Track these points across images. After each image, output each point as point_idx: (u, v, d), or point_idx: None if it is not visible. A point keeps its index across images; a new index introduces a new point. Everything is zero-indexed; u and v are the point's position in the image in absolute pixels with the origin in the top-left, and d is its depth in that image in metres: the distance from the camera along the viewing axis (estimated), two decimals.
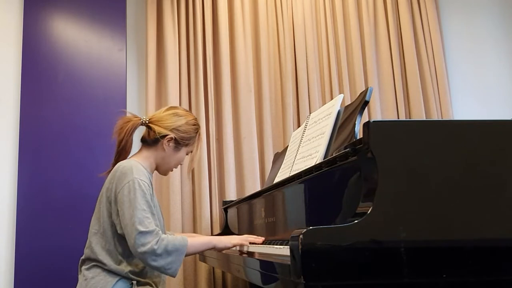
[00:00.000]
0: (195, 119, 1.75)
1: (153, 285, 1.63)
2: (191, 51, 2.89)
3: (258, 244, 1.59)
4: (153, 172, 1.73)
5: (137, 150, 1.73)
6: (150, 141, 1.67)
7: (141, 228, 1.45)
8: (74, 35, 2.84)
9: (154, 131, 1.65)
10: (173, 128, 1.66)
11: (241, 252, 1.61)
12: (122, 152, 1.66)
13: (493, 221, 1.04)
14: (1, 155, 2.66)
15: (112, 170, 1.60)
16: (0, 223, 2.59)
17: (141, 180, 1.53)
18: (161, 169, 1.73)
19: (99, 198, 1.63)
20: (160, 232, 1.49)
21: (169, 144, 1.66)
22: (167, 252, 1.46)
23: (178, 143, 1.68)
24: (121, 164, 1.59)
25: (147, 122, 1.67)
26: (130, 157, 1.68)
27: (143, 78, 2.93)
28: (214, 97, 2.88)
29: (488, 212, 1.04)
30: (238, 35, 2.94)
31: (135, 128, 1.66)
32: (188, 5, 2.94)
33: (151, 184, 1.61)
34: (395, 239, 0.98)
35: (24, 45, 2.76)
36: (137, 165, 1.58)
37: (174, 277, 1.52)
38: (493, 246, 1.03)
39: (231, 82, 2.91)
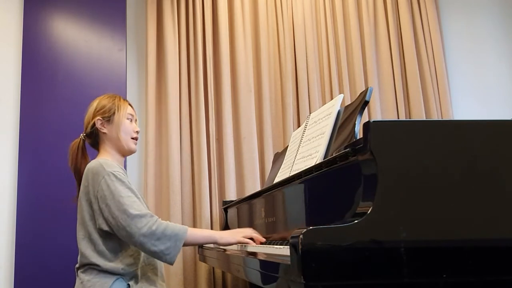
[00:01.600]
0: (107, 94, 1.80)
1: (151, 278, 1.63)
2: (191, 51, 2.89)
3: (257, 244, 1.60)
4: (122, 161, 1.75)
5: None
6: (94, 139, 1.73)
7: (134, 212, 1.47)
8: (74, 35, 2.84)
9: (89, 131, 1.72)
10: (93, 114, 1.72)
11: (241, 251, 1.61)
12: (80, 173, 1.68)
13: (493, 221, 1.04)
14: (1, 155, 2.66)
15: (84, 175, 1.62)
16: (0, 223, 2.59)
17: (114, 171, 1.55)
18: (122, 148, 1.72)
19: (78, 205, 1.63)
20: (156, 216, 1.52)
21: (103, 125, 1.70)
22: (166, 236, 1.47)
23: (107, 117, 1.71)
24: (90, 165, 1.61)
25: (84, 134, 1.74)
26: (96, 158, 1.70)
27: (143, 78, 2.93)
28: (214, 97, 2.88)
29: (488, 212, 1.04)
30: (238, 35, 2.94)
31: (79, 146, 1.72)
32: (188, 5, 2.94)
33: (125, 173, 1.63)
34: (395, 239, 0.98)
35: (24, 45, 2.76)
36: (104, 161, 1.60)
37: (172, 264, 1.51)
38: (493, 246, 1.03)
39: (231, 82, 2.91)
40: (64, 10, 2.86)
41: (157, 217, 1.52)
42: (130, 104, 1.79)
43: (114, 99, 1.76)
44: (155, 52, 2.86)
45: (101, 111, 1.72)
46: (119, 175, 1.55)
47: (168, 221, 1.53)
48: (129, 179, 1.65)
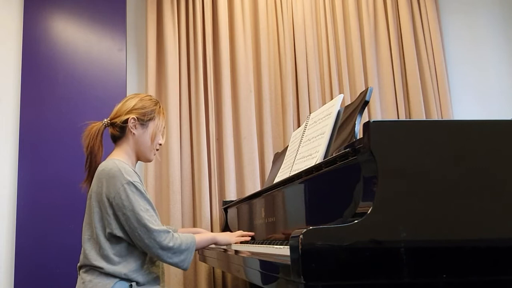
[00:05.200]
0: (149, 95, 1.77)
1: (153, 284, 1.63)
2: (191, 51, 2.89)
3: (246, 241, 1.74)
4: (135, 164, 1.73)
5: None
6: (118, 134, 1.67)
7: (154, 227, 1.51)
8: (74, 35, 2.84)
9: (116, 123, 1.66)
10: (130, 110, 1.66)
11: (242, 251, 1.61)
12: (92, 156, 1.66)
13: (493, 221, 1.04)
14: (1, 155, 2.66)
15: (97, 173, 1.59)
16: (0, 224, 2.59)
17: (134, 181, 1.54)
18: (142, 154, 1.71)
19: (88, 203, 1.61)
20: (170, 230, 1.56)
21: (135, 126, 1.66)
22: (181, 250, 1.55)
23: (142, 120, 1.67)
24: (105, 165, 1.57)
25: (108, 122, 1.68)
26: (108, 157, 1.67)
27: (143, 78, 2.93)
28: (214, 97, 2.88)
29: (488, 212, 1.04)
30: (238, 35, 2.94)
31: (99, 131, 1.66)
32: (188, 5, 2.94)
33: (141, 180, 1.63)
34: (395, 239, 0.98)
35: (24, 45, 2.76)
36: (121, 164, 1.57)
37: (186, 270, 1.64)
38: (493, 246, 1.03)
39: (231, 82, 2.91)
40: (64, 10, 2.85)
41: (172, 231, 1.56)
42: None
43: (156, 105, 1.71)
44: (155, 52, 2.86)
45: (140, 111, 1.67)
46: (138, 186, 1.55)
47: (179, 234, 1.59)
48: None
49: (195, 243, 1.61)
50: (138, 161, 1.76)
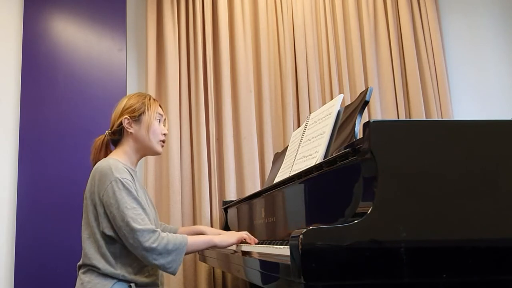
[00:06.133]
0: (138, 92, 1.80)
1: (152, 284, 1.63)
2: (191, 51, 2.89)
3: (250, 244, 1.62)
4: (137, 162, 1.74)
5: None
6: (117, 137, 1.71)
7: (137, 226, 1.47)
8: (74, 35, 2.84)
9: (114, 129, 1.70)
10: (121, 113, 1.70)
11: (241, 252, 1.61)
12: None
13: (493, 221, 1.04)
14: (1, 155, 2.66)
15: (92, 172, 1.61)
16: (0, 223, 2.59)
17: (122, 178, 1.53)
18: (148, 149, 1.72)
19: (84, 203, 1.62)
20: (158, 229, 1.51)
21: (130, 125, 1.68)
22: (168, 251, 1.48)
23: (134, 116, 1.69)
24: (99, 164, 1.59)
25: (109, 132, 1.73)
26: (108, 157, 1.68)
27: (143, 78, 2.93)
28: (214, 97, 2.88)
29: (488, 212, 1.04)
30: (238, 35, 2.94)
31: (103, 142, 1.72)
32: (188, 5, 2.94)
33: (135, 179, 1.62)
34: (395, 239, 0.98)
35: (24, 45, 2.75)
36: (115, 163, 1.57)
37: (174, 275, 1.53)
38: (493, 246, 1.03)
39: (231, 82, 2.91)
40: (64, 10, 2.85)
41: (160, 231, 1.51)
42: (160, 105, 1.77)
43: (144, 98, 1.73)
44: (155, 52, 2.86)
45: (130, 109, 1.69)
46: (126, 183, 1.53)
47: (168, 234, 1.52)
48: (139, 179, 1.66)
49: (185, 244, 1.52)
50: (139, 162, 1.76)
